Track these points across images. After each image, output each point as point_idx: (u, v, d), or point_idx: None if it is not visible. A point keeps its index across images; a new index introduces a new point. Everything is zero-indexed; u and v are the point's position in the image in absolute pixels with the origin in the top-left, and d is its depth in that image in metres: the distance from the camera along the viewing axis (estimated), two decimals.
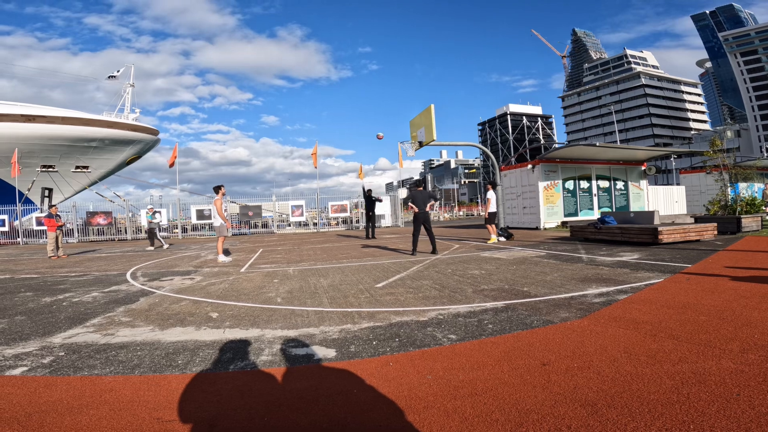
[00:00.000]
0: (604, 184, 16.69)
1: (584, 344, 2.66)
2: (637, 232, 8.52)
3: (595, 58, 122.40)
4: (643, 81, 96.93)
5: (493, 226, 10.91)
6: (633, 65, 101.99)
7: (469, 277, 5.53)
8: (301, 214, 24.37)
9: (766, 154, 47.34)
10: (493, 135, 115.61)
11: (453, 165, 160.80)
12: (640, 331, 2.84)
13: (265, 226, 25.07)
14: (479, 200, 72.17)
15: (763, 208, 11.00)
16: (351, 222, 25.04)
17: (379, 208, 24.29)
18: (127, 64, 30.37)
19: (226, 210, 10.87)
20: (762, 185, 18.42)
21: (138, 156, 30.92)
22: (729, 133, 79.55)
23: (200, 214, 22.97)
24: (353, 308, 4.07)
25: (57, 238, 11.76)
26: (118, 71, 29.40)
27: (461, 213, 62.07)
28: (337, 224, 25.85)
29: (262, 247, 12.88)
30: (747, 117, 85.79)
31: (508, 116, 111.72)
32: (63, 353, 2.99)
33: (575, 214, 15.87)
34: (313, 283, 5.69)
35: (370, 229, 15.03)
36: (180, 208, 23.59)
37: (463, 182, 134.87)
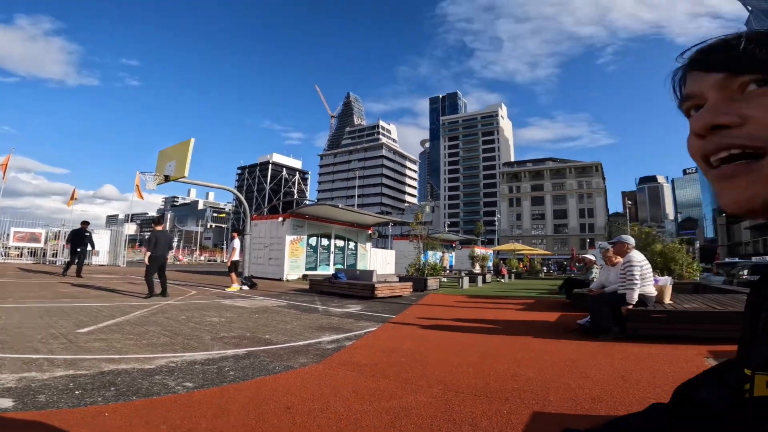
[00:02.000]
0: (340, 243, 18.98)
1: (321, 387, 2.86)
2: (360, 287, 9.93)
3: (356, 123, 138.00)
4: (384, 152, 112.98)
5: (234, 274, 10.63)
6: (380, 136, 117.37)
7: (208, 324, 5.10)
8: None
9: (446, 230, 64.60)
10: (250, 181, 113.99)
11: (201, 206, 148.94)
12: (363, 373, 3.27)
13: None
14: (225, 246, 68.57)
15: (441, 272, 14.91)
16: (44, 255, 19.01)
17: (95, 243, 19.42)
18: None
19: None
20: (441, 253, 24.93)
21: None
22: (427, 209, 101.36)
23: None
24: (40, 355, 3.13)
25: None
26: None
27: (203, 258, 57.25)
28: (20, 256, 19.07)
29: None
30: (440, 196, 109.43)
31: (270, 165, 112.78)
32: None
33: (315, 268, 17.15)
34: None
35: (75, 267, 11.99)
36: None
37: (209, 225, 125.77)
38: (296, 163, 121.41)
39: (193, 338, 4.21)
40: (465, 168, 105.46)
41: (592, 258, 10.52)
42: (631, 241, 5.29)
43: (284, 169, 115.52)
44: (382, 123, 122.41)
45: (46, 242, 19.25)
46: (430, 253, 16.27)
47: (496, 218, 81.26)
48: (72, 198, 22.33)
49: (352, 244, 19.62)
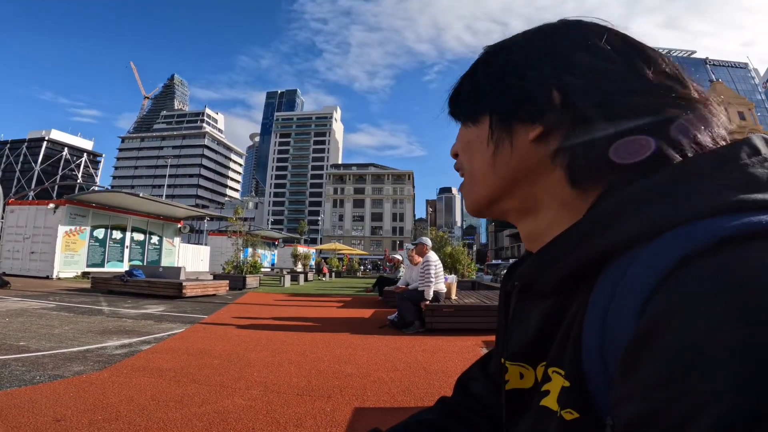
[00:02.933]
0: (139, 236, 16.30)
1: (108, 396, 2.41)
2: (163, 285, 8.72)
3: (177, 107, 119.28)
4: (206, 142, 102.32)
5: None
6: (205, 124, 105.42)
7: None
8: None
9: (270, 227, 61.59)
10: (12, 160, 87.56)
11: None
12: (165, 378, 2.85)
13: None
14: None
15: (261, 269, 14.33)
16: None
17: None
18: None
19: None
20: (264, 252, 23.90)
21: None
22: (251, 204, 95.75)
23: None
24: None
25: None
26: None
27: None
28: None
29: None
30: (265, 192, 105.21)
31: (45, 143, 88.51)
32: None
33: (102, 264, 14.40)
34: None
35: None
36: None
37: None
38: (85, 144, 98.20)
39: None
40: (294, 166, 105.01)
41: (400, 258, 11.85)
42: (429, 242, 6.13)
43: (66, 148, 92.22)
44: (208, 110, 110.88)
45: None
46: (250, 250, 15.47)
47: (320, 218, 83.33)
48: None
49: (155, 239, 17.11)
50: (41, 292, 8.53)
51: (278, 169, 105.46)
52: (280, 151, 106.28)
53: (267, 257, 26.41)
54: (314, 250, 30.24)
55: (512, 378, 0.42)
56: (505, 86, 0.41)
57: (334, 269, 25.84)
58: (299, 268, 20.30)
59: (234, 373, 3.12)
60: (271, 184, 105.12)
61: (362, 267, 39.19)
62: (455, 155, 0.49)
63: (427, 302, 5.35)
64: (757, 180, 0.28)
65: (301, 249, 23.98)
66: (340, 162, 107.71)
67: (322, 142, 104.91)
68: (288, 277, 14.50)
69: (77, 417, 2.06)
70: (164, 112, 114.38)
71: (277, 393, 2.69)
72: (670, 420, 0.21)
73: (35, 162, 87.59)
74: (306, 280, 17.54)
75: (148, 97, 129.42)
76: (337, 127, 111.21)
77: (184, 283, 8.61)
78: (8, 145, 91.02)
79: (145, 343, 4.02)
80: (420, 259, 5.96)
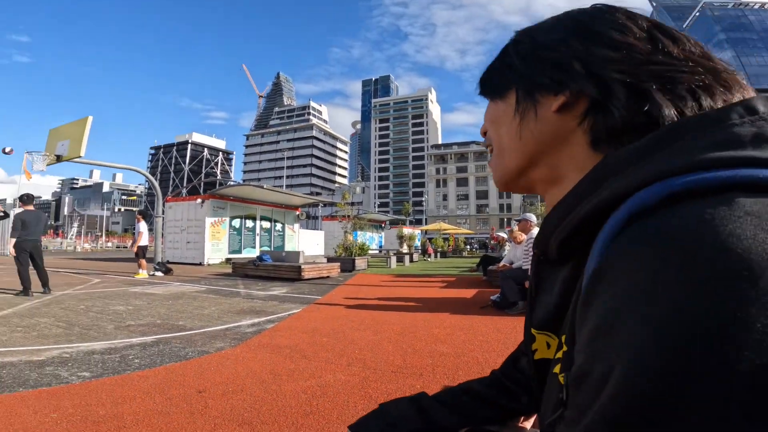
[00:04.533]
0: (266, 224, 18.36)
1: (237, 370, 2.83)
2: (286, 269, 9.73)
3: (286, 103, 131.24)
4: (314, 133, 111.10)
5: (143, 260, 9.94)
6: (311, 117, 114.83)
7: (111, 313, 4.78)
8: None
9: (377, 210, 64.91)
10: (166, 162, 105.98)
11: (107, 188, 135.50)
12: (281, 354, 3.28)
13: None
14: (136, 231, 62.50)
15: (368, 251, 15.12)
16: None
17: None
18: None
19: None
20: (372, 234, 25.09)
21: None
22: (358, 189, 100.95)
23: None
24: None
25: None
26: None
27: (110, 244, 52.02)
28: None
29: None
30: (370, 176, 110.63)
31: (189, 145, 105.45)
32: None
33: (239, 251, 16.42)
34: None
35: None
36: None
37: (118, 209, 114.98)
38: (219, 143, 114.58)
39: (92, 328, 3.94)
40: (395, 150, 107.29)
41: (504, 236, 11.39)
42: (534, 218, 5.73)
43: (206, 149, 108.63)
44: (313, 103, 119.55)
45: None
46: (359, 233, 16.36)
47: (423, 199, 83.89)
48: None
49: (279, 226, 19.07)
50: (195, 277, 10.08)
51: (380, 153, 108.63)
52: (380, 136, 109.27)
53: (374, 239, 27.64)
54: (419, 231, 30.65)
55: (540, 347, 0.44)
56: (533, 60, 0.42)
57: (440, 249, 25.90)
58: (405, 249, 20.84)
59: (338, 350, 3.40)
60: (375, 168, 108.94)
61: (468, 246, 38.52)
62: (484, 133, 0.51)
63: None
64: (738, 138, 0.28)
65: (407, 230, 24.51)
66: (440, 142, 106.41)
67: (420, 124, 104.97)
68: (394, 259, 15.02)
69: (214, 389, 2.47)
70: (276, 109, 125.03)
71: (373, 370, 2.90)
72: (596, 375, 0.23)
73: (184, 162, 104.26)
74: (411, 261, 17.94)
75: (262, 96, 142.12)
76: (434, 108, 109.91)
77: (302, 267, 9.42)
78: (161, 150, 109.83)
79: (270, 322, 4.58)
80: (523, 237, 5.66)
